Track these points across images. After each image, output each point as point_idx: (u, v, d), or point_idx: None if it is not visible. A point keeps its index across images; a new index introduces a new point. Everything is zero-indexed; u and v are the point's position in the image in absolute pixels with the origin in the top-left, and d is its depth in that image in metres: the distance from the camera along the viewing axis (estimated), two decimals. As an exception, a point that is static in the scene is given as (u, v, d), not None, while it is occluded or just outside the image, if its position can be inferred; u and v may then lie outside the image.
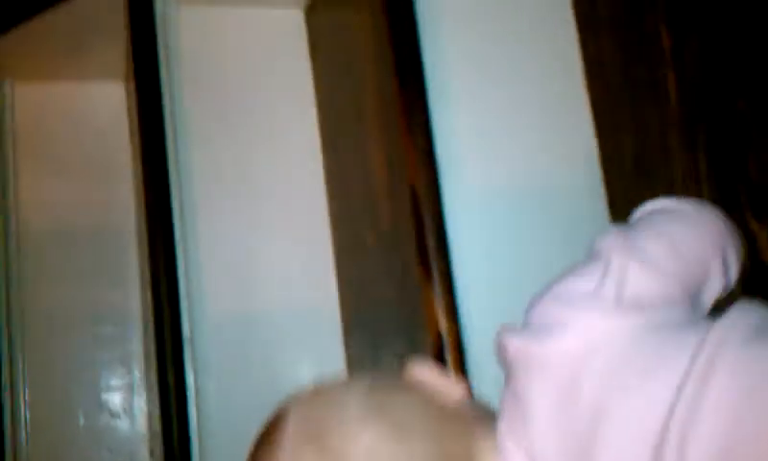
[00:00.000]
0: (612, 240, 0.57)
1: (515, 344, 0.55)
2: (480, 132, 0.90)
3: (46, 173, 1.04)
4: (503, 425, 0.54)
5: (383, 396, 0.56)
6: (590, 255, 0.58)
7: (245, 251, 0.97)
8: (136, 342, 1.02)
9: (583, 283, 0.56)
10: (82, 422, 0.98)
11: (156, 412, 0.90)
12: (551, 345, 0.53)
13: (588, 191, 0.92)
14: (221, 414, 0.91)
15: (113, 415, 0.99)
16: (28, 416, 0.98)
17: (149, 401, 0.98)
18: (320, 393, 0.57)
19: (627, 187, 0.92)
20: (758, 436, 0.47)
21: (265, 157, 0.99)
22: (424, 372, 0.58)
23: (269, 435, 0.56)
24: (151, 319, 0.92)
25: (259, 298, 0.96)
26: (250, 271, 0.97)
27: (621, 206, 0.91)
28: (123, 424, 0.98)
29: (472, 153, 0.89)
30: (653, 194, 0.86)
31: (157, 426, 0.90)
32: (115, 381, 1.00)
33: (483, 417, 0.57)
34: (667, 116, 0.87)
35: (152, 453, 0.94)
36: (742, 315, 0.53)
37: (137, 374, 1.00)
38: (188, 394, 0.89)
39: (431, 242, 0.84)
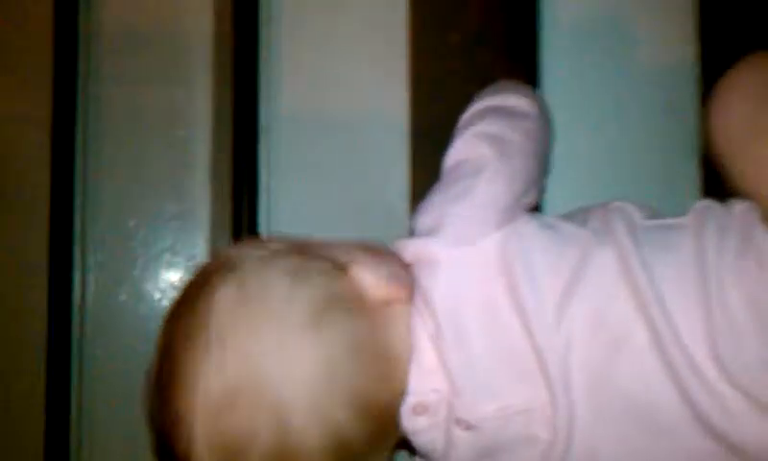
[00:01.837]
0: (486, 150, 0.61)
1: (432, 246, 0.59)
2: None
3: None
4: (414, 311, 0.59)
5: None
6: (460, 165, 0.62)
7: (322, 48, 0.95)
8: (204, 145, 1.00)
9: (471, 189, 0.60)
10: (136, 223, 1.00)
11: (223, 211, 0.92)
12: (469, 248, 0.58)
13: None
14: (287, 207, 0.92)
15: (173, 217, 0.99)
16: (94, 210, 1.00)
17: (214, 203, 0.98)
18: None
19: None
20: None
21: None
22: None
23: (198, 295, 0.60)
24: (227, 111, 0.93)
25: (332, 96, 0.94)
26: (325, 68, 0.95)
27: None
28: (183, 225, 0.97)
29: None
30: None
31: (222, 226, 0.92)
32: (180, 185, 1.00)
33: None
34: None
35: (213, 242, 0.94)
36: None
37: (200, 176, 0.99)
38: (259, 185, 0.91)
39: (520, 41, 0.79)
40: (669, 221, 0.59)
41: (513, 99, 0.65)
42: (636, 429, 0.54)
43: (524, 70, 0.79)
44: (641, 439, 0.54)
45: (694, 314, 0.53)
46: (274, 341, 0.55)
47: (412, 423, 0.58)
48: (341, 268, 0.59)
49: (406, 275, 0.61)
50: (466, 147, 0.62)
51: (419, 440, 0.59)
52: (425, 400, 0.57)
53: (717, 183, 0.82)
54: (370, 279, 0.59)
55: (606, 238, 0.57)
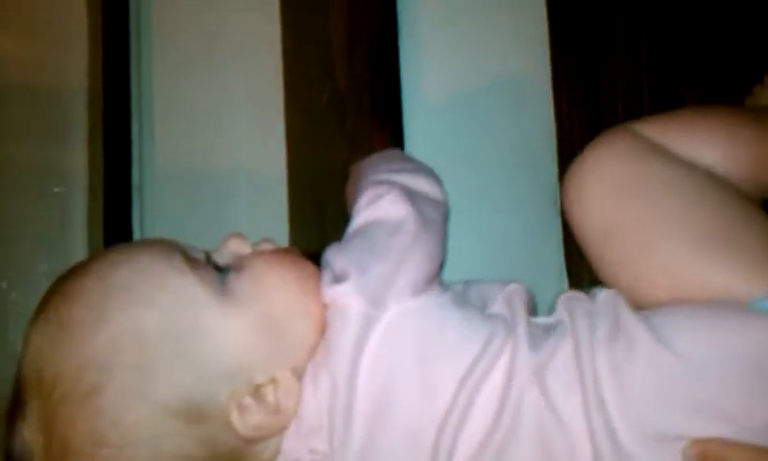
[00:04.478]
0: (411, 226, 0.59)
1: (346, 298, 0.56)
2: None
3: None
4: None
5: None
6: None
7: (198, 106, 0.96)
8: (80, 201, 0.99)
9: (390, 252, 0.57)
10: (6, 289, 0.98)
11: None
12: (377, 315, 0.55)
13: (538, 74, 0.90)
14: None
15: (46, 275, 0.98)
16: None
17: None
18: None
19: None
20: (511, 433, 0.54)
21: (224, 20, 0.98)
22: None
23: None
24: (100, 168, 0.92)
25: (209, 154, 0.95)
26: (201, 126, 0.96)
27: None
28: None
29: (434, 19, 0.89)
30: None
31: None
32: (55, 242, 0.98)
33: None
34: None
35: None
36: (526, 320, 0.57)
37: (79, 232, 0.98)
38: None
39: (385, 100, 0.83)
40: (550, 320, 0.59)
41: (427, 182, 0.64)
42: None
43: (390, 130, 0.82)
44: None
45: (574, 398, 0.54)
46: None
47: None
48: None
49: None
50: (390, 207, 0.59)
51: None
52: (300, 460, 0.56)
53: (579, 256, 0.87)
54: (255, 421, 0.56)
55: (507, 326, 0.57)
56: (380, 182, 0.61)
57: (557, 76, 0.88)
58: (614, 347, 0.55)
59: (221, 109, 0.96)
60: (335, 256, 0.58)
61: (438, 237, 0.60)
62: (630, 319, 0.56)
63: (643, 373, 0.54)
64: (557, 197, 0.89)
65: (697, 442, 0.52)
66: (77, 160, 1.01)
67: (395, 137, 0.82)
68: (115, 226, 0.91)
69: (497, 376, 0.55)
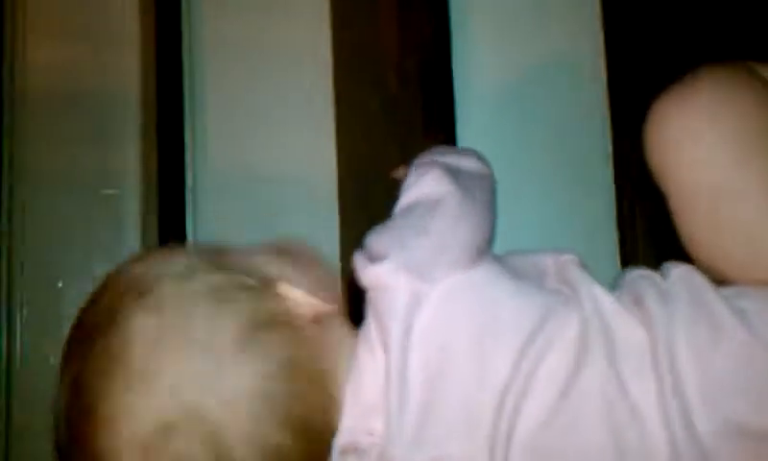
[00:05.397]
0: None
1: (392, 276, 0.54)
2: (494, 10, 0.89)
3: (52, 34, 1.03)
4: (361, 339, 0.55)
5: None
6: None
7: (250, 109, 0.97)
8: (133, 203, 1.00)
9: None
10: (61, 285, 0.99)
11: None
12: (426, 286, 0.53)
13: (590, 71, 0.88)
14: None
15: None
16: (22, 270, 0.98)
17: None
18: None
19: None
20: (577, 416, 0.50)
21: (275, 26, 0.98)
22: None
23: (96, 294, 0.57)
24: (154, 170, 0.93)
25: (261, 157, 0.96)
26: (254, 129, 0.96)
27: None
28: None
29: (486, 26, 0.88)
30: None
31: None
32: (108, 244, 0.99)
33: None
34: None
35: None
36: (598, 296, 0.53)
37: (132, 233, 0.99)
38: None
39: (437, 104, 0.82)
40: (617, 297, 0.55)
41: (471, 159, 0.63)
42: None
43: (443, 134, 0.82)
44: None
45: (647, 384, 0.51)
46: (202, 370, 0.51)
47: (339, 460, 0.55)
48: (266, 283, 0.55)
49: (334, 282, 0.59)
50: (431, 185, 0.57)
51: None
52: (357, 443, 0.54)
53: (634, 255, 0.85)
54: (297, 294, 0.55)
55: (570, 300, 0.54)
56: (424, 163, 0.60)
57: (612, 82, 0.87)
58: (695, 331, 0.51)
59: (273, 111, 0.97)
60: (374, 238, 0.56)
61: (482, 210, 0.58)
62: (713, 300, 0.52)
63: (727, 360, 0.50)
64: (614, 210, 0.87)
65: None
66: (130, 163, 1.02)
67: (447, 141, 0.82)
68: (170, 228, 0.92)
69: (562, 352, 0.52)
